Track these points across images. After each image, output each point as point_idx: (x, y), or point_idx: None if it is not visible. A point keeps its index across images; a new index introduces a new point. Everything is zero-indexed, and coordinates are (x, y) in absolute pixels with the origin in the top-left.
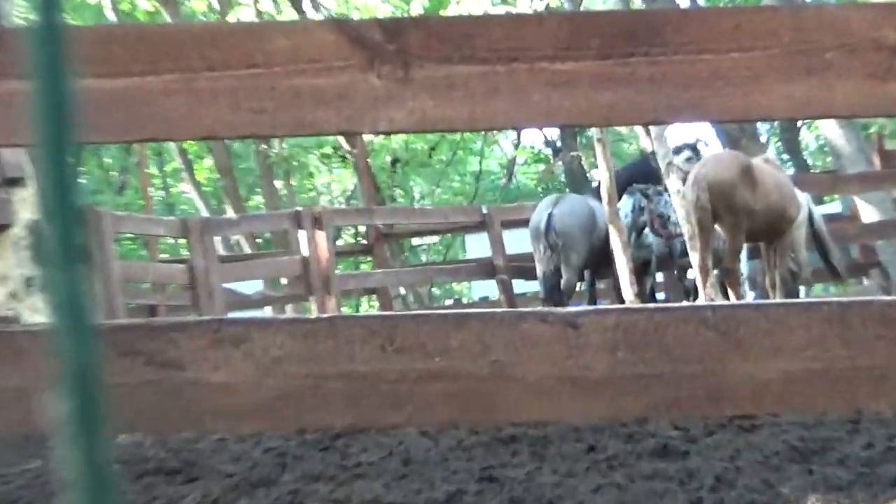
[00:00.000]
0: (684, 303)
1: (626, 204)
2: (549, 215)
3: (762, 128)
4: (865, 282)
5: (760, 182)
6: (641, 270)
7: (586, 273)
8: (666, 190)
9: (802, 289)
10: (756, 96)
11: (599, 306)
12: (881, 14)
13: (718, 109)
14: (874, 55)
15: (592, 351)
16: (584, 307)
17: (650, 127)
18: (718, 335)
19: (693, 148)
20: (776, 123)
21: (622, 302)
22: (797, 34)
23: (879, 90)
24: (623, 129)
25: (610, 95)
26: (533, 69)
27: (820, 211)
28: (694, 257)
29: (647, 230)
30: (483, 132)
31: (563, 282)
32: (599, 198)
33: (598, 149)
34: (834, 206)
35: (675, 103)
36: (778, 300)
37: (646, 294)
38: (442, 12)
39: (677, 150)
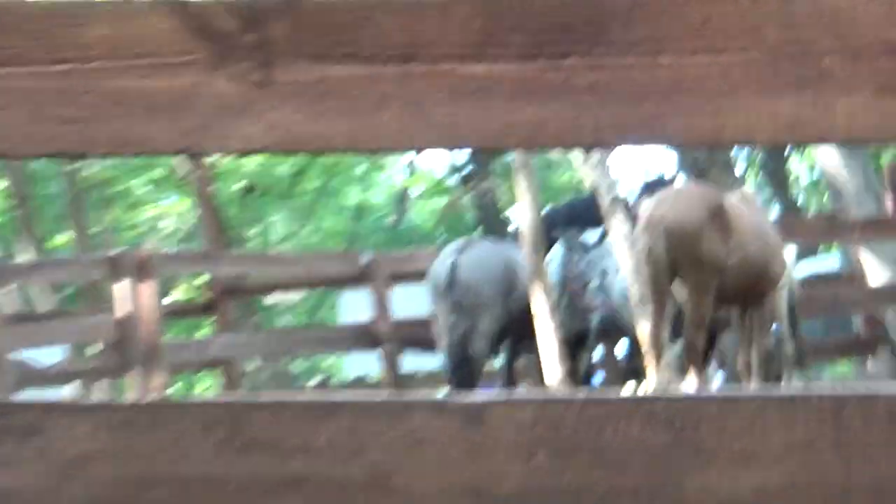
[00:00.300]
0: (627, 391)
1: (556, 255)
2: (454, 266)
3: (738, 155)
4: (870, 365)
5: (736, 227)
6: (575, 344)
7: (503, 345)
8: (605, 236)
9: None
10: (730, 113)
11: (513, 396)
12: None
13: (680, 130)
14: (886, 62)
15: (503, 455)
16: (492, 396)
17: (589, 152)
18: (672, 436)
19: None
20: (757, 149)
21: (546, 385)
22: (786, 32)
23: (893, 108)
24: (553, 154)
25: (536, 109)
26: (434, 72)
27: (812, 267)
28: (643, 327)
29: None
30: (367, 154)
31: (472, 355)
32: (520, 244)
33: (520, 179)
34: (830, 261)
35: (622, 121)
36: (753, 390)
37: (579, 376)
38: None
39: (648, 189)
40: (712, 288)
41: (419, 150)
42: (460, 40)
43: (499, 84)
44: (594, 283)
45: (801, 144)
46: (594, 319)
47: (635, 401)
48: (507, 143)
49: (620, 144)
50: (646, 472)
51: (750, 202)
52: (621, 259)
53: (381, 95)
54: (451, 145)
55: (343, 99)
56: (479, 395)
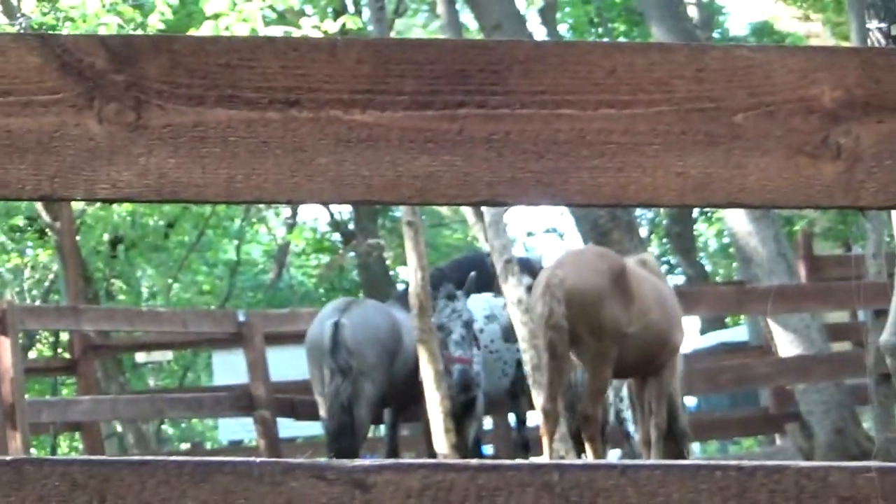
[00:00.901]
0: (521, 460)
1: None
2: (336, 327)
3: (642, 217)
4: (779, 441)
5: (637, 294)
6: (463, 412)
7: (386, 412)
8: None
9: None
10: (635, 172)
11: (401, 461)
12: (815, 63)
13: (581, 189)
14: (803, 121)
15: None
16: (380, 460)
17: (483, 209)
18: None
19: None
20: (662, 212)
21: (433, 455)
22: (697, 87)
23: (808, 171)
24: (445, 210)
25: (427, 161)
26: (319, 119)
27: (719, 337)
28: (538, 396)
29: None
30: (244, 206)
31: (353, 422)
32: (406, 305)
33: (408, 236)
34: (738, 332)
35: (520, 177)
36: (653, 461)
37: (467, 446)
38: (193, 31)
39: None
40: (612, 357)
41: (302, 202)
42: (348, 86)
43: (388, 133)
44: (455, 336)
45: (709, 207)
46: (455, 374)
47: (530, 470)
48: (396, 197)
49: (517, 202)
50: None
51: (651, 268)
52: (515, 325)
53: (262, 143)
54: (337, 197)
55: (221, 144)
56: (365, 461)
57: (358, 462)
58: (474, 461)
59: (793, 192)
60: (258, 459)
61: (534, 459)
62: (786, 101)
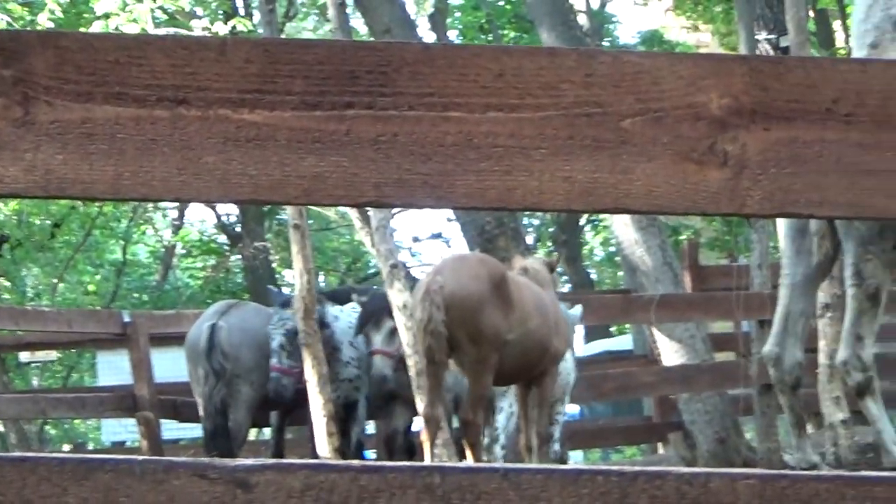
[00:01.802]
0: (403, 462)
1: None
2: (213, 329)
3: (529, 222)
4: (661, 450)
5: (517, 301)
6: (345, 415)
7: (272, 415)
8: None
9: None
10: (522, 176)
11: (283, 461)
12: (703, 70)
13: (467, 192)
14: (690, 128)
15: None
16: (262, 460)
17: (370, 214)
18: None
19: None
20: (548, 219)
21: (316, 458)
22: (584, 92)
23: (695, 178)
24: (332, 214)
25: (314, 161)
26: (207, 118)
27: (604, 345)
28: (420, 402)
29: (350, 358)
30: (132, 204)
31: (230, 424)
32: (291, 309)
33: (294, 239)
34: (623, 341)
35: (406, 178)
36: (535, 465)
37: (349, 449)
38: (83, 29)
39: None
40: (491, 363)
41: (189, 201)
42: (237, 85)
43: (276, 132)
44: (274, 344)
45: (595, 212)
46: (366, 388)
47: (412, 473)
48: (283, 197)
49: (405, 204)
50: None
51: (534, 275)
52: (400, 330)
53: (150, 140)
54: (223, 196)
55: (109, 142)
56: (248, 460)
57: (240, 461)
58: (356, 462)
59: (679, 199)
60: (140, 458)
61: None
62: (674, 107)
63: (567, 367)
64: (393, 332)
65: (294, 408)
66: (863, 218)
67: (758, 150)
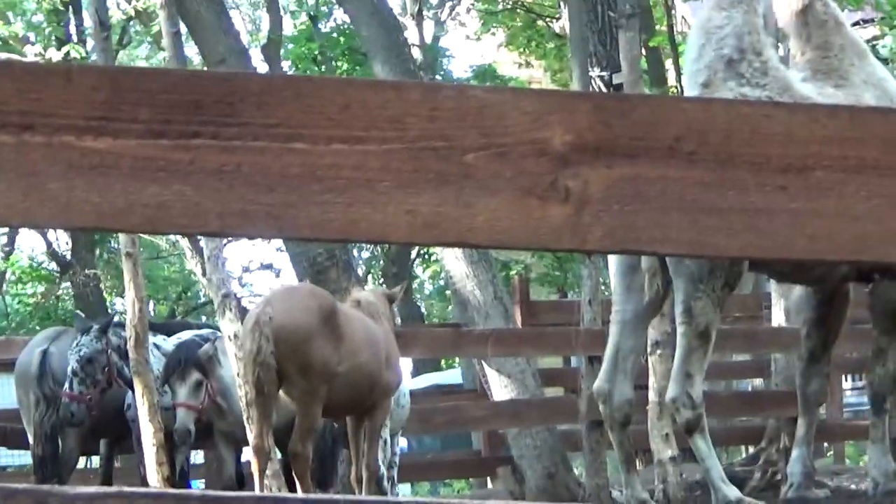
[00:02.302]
0: (245, 492)
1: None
2: (45, 354)
3: (359, 255)
4: (490, 484)
5: (348, 333)
6: (170, 444)
7: (101, 443)
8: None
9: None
10: (366, 208)
11: (125, 489)
12: (548, 106)
13: (310, 223)
14: (533, 163)
15: None
16: (104, 488)
17: (203, 243)
18: None
19: None
20: (380, 252)
21: (147, 486)
22: (429, 125)
23: (537, 213)
24: (163, 243)
25: (158, 190)
26: (52, 144)
27: (433, 379)
28: (249, 431)
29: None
30: None
31: (61, 451)
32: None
33: (127, 267)
34: (452, 375)
35: (250, 209)
36: (371, 497)
37: (175, 478)
38: None
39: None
40: (320, 395)
41: (34, 227)
42: (83, 112)
43: (121, 160)
44: (68, 370)
45: (439, 245)
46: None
47: (254, 502)
48: (126, 225)
49: (248, 234)
50: None
51: (366, 308)
52: (230, 360)
53: None
54: (67, 223)
55: None
56: (91, 488)
57: (81, 489)
58: (197, 491)
59: (522, 234)
60: None
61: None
62: (518, 142)
63: (404, 401)
64: (199, 384)
65: (116, 435)
66: (703, 256)
67: (600, 186)
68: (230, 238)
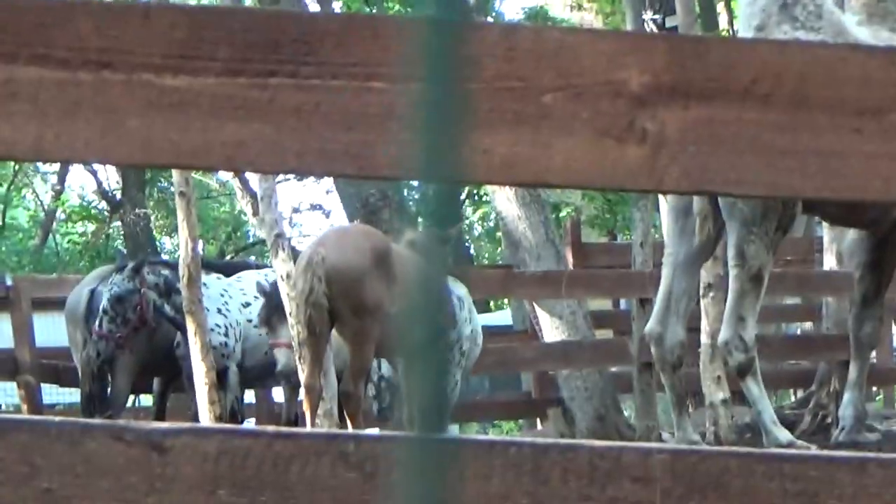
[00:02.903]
0: (319, 430)
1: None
2: (93, 294)
3: (412, 195)
4: (540, 426)
5: (400, 274)
6: (217, 382)
7: (155, 382)
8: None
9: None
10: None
11: (199, 424)
12: (624, 48)
13: (389, 162)
14: (610, 104)
15: (184, 486)
16: (177, 424)
17: (257, 183)
18: (362, 477)
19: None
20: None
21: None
22: (506, 66)
23: (614, 154)
24: (213, 184)
25: (237, 128)
26: (131, 82)
27: (483, 320)
28: (301, 371)
29: (215, 325)
30: (10, 167)
31: (110, 389)
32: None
33: (180, 206)
34: (503, 316)
35: (328, 147)
36: (452, 436)
37: (224, 416)
38: None
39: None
40: (373, 336)
41: (113, 164)
42: (161, 50)
43: (199, 98)
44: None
45: (515, 185)
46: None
47: (326, 440)
48: (205, 162)
49: (326, 173)
50: None
51: (420, 248)
52: (284, 300)
53: (74, 103)
54: (146, 160)
55: (32, 103)
56: (163, 424)
57: (155, 425)
58: (270, 428)
59: (598, 174)
60: (57, 419)
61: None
62: (594, 83)
63: (480, 340)
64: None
65: (169, 374)
66: (778, 197)
67: (676, 128)
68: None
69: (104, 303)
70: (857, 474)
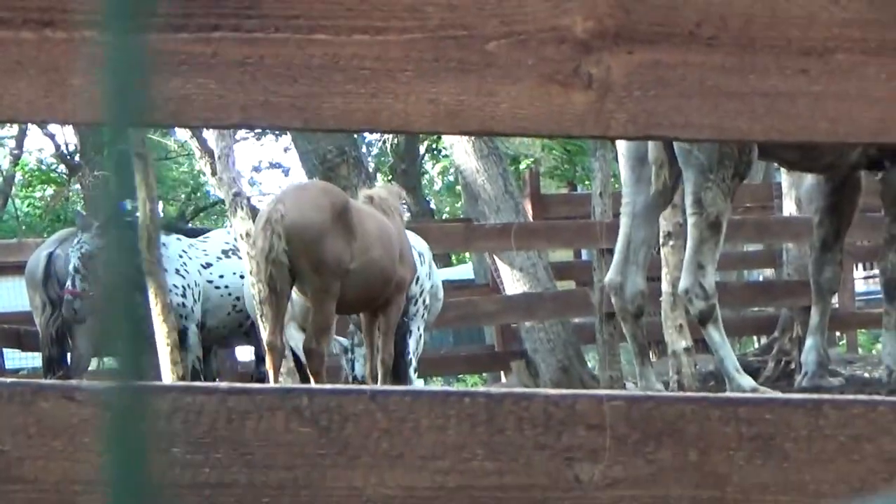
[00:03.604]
0: (274, 384)
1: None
2: (51, 257)
3: (368, 151)
4: (504, 378)
5: (360, 230)
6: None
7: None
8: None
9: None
10: (388, 98)
11: (152, 383)
12: None
13: (335, 114)
14: (555, 50)
15: None
16: (129, 383)
17: (214, 143)
18: (317, 432)
19: None
20: (389, 149)
21: None
22: (450, 14)
23: (560, 100)
24: (170, 143)
25: (181, 83)
26: (73, 40)
27: (444, 274)
28: (264, 331)
29: (173, 285)
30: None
31: (72, 355)
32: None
33: (138, 168)
34: (463, 270)
35: (273, 100)
36: (403, 387)
37: (187, 376)
38: None
39: None
40: (334, 292)
41: (57, 122)
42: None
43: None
44: (69, 267)
45: (461, 134)
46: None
47: (280, 394)
48: (150, 119)
49: (271, 126)
50: (288, 469)
51: (381, 203)
52: (243, 258)
53: (15, 62)
54: (90, 119)
55: None
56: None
57: (108, 384)
58: (223, 384)
59: (545, 121)
60: (8, 380)
61: None
62: (539, 29)
63: (441, 294)
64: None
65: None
66: (726, 140)
67: (622, 73)
68: (250, 132)
69: (74, 262)
70: (813, 416)
